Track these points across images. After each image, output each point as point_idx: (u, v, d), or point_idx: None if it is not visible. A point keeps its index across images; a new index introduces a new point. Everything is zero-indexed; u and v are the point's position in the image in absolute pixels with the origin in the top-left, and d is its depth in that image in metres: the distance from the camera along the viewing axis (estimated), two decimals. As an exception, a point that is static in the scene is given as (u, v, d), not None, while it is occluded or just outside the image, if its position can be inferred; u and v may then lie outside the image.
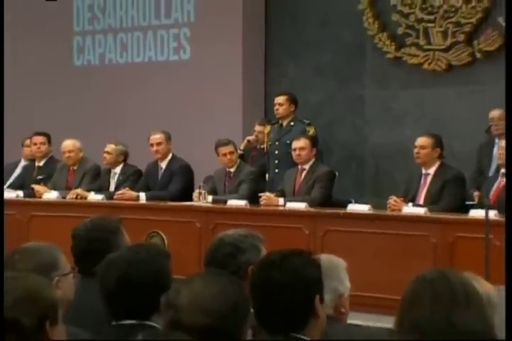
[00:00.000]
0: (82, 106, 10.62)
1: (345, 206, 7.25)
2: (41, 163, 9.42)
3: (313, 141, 7.95)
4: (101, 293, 2.83)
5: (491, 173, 7.47)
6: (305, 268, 2.57)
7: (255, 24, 9.82)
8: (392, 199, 7.12)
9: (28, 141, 9.61)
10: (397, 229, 6.71)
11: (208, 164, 8.53)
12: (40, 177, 9.27)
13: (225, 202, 7.77)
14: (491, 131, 7.69)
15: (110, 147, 8.76)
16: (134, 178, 8.70)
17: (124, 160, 8.83)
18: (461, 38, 8.63)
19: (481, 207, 6.37)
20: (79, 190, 8.61)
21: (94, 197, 8.48)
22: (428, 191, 7.25)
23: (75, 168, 9.10)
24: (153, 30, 10.40)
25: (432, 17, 8.78)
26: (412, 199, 7.24)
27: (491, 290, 2.64)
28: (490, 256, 5.73)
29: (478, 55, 8.56)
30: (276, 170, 8.34)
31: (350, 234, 6.85)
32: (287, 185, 7.91)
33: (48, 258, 3.07)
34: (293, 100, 8.50)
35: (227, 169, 8.31)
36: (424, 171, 7.35)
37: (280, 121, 8.52)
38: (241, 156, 8.61)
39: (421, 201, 7.22)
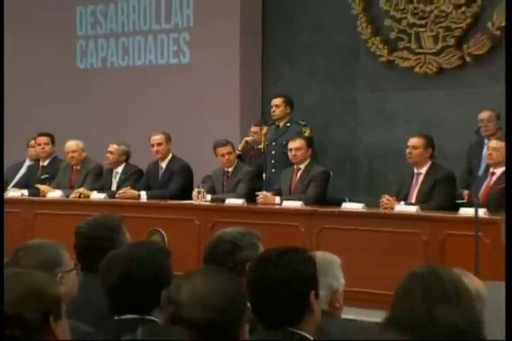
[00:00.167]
0: (85, 108, 10.62)
1: (339, 204, 7.25)
2: (45, 163, 9.42)
3: (309, 142, 7.95)
4: (103, 288, 2.83)
5: (480, 173, 7.47)
6: (301, 265, 2.57)
7: (252, 29, 9.82)
8: (385, 198, 7.13)
9: (32, 142, 9.60)
10: (390, 226, 6.71)
11: (207, 164, 8.53)
12: (44, 176, 9.28)
13: (224, 200, 7.77)
14: (480, 132, 7.69)
15: (113, 147, 8.76)
16: (135, 178, 8.70)
17: (126, 160, 8.83)
18: (451, 42, 8.63)
19: (471, 206, 6.38)
20: (82, 189, 8.61)
21: (96, 195, 8.48)
22: (420, 190, 7.25)
23: (78, 167, 9.10)
24: (153, 35, 10.39)
25: (423, 22, 8.78)
26: (404, 198, 7.24)
27: (480, 286, 2.64)
28: (479, 253, 5.74)
29: (467, 59, 8.56)
30: (273, 170, 8.34)
31: (345, 232, 6.85)
32: (283, 184, 7.91)
33: (51, 255, 3.07)
34: (289, 102, 8.51)
35: (226, 169, 8.31)
36: (416, 171, 7.36)
37: (277, 123, 8.52)
38: (239, 156, 8.61)
39: (413, 200, 7.22)
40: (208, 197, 7.92)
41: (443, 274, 2.47)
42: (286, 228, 7.05)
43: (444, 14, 8.65)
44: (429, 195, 7.17)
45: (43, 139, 9.36)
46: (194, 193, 8.00)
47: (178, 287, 2.20)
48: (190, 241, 7.39)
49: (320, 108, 9.40)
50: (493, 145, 7.14)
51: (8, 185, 9.39)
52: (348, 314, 3.46)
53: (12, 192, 9.06)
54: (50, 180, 9.17)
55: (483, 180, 7.14)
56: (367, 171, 9.23)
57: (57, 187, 8.94)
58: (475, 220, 5.85)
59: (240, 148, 8.88)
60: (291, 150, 7.83)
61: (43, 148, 9.34)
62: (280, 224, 7.08)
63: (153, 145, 8.54)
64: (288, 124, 8.45)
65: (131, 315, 2.74)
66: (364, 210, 7.05)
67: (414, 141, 7.35)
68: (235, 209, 7.52)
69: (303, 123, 8.43)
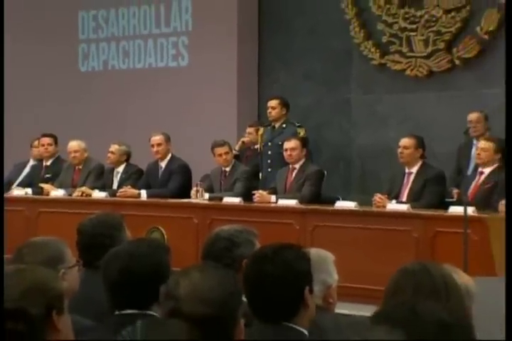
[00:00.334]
0: (86, 109, 10.61)
1: (333, 203, 7.26)
2: (48, 163, 9.41)
3: (304, 142, 7.95)
4: (104, 284, 2.82)
5: (469, 172, 7.47)
6: (295, 261, 2.57)
7: (249, 33, 9.82)
8: (377, 197, 7.13)
9: (36, 142, 9.60)
10: (382, 224, 6.71)
11: (205, 164, 8.53)
12: (47, 176, 9.27)
13: (221, 199, 7.77)
14: (469, 132, 7.70)
15: (114, 147, 8.75)
16: (135, 177, 8.70)
17: (127, 160, 8.83)
18: (441, 45, 8.64)
19: (460, 204, 6.38)
20: (84, 188, 8.61)
21: (98, 194, 8.47)
22: (411, 189, 7.25)
23: (80, 167, 9.09)
24: (153, 39, 10.39)
25: (414, 26, 8.79)
26: (396, 197, 7.25)
27: (469, 282, 2.64)
28: (468, 250, 5.74)
29: (457, 62, 8.56)
30: (269, 169, 8.34)
31: (338, 229, 6.85)
32: (279, 183, 7.91)
33: (54, 251, 3.07)
34: (285, 104, 8.51)
35: (223, 168, 8.31)
36: (407, 170, 7.36)
37: (273, 124, 8.53)
38: (236, 156, 8.61)
39: (404, 198, 7.23)
40: (206, 195, 7.92)
41: (433, 270, 2.47)
42: (282, 225, 7.05)
43: (434, 19, 8.65)
44: (419, 194, 7.17)
45: (46, 140, 9.35)
46: (192, 192, 8.00)
47: (176, 282, 2.20)
48: (189, 238, 7.38)
49: (314, 109, 9.40)
50: (482, 146, 7.14)
51: (12, 184, 9.39)
52: (342, 309, 3.46)
53: (16, 191, 9.05)
54: (53, 180, 9.17)
55: (471, 180, 7.14)
56: (359, 170, 9.23)
57: (60, 187, 8.93)
58: (464, 218, 5.85)
59: (237, 149, 8.88)
60: (286, 150, 7.83)
61: (46, 149, 9.33)
62: (276, 222, 7.08)
63: (153, 146, 8.54)
64: (284, 125, 8.46)
65: (131, 310, 2.74)
66: (357, 208, 7.05)
67: (405, 142, 7.36)
68: (232, 208, 7.52)
69: (298, 124, 8.44)
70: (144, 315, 2.66)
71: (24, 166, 9.72)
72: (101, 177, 8.92)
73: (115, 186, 8.68)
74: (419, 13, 8.75)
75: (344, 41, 9.20)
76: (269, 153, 8.40)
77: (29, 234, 7.34)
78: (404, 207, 6.86)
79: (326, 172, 7.95)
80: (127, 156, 8.81)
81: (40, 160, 9.53)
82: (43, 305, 2.09)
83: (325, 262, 3.23)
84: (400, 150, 7.34)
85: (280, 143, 8.13)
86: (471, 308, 2.52)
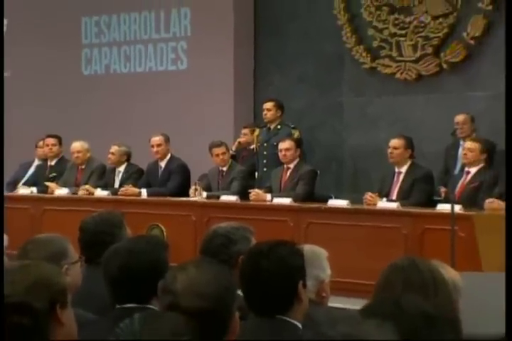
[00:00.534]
0: (89, 111, 10.60)
1: (326, 201, 7.25)
2: (53, 163, 9.41)
3: (298, 143, 7.95)
4: (105, 279, 2.82)
5: (456, 172, 7.47)
6: (289, 257, 2.56)
7: (245, 38, 9.81)
8: (368, 195, 7.13)
9: (41, 143, 9.59)
10: (373, 221, 6.71)
11: (203, 163, 8.52)
12: (52, 175, 9.26)
13: (218, 197, 7.77)
14: (456, 133, 7.69)
15: (114, 148, 8.75)
16: (136, 176, 8.69)
17: (128, 160, 8.82)
18: (429, 50, 8.64)
19: (447, 202, 6.38)
20: (87, 187, 8.60)
21: (100, 193, 8.46)
22: (400, 187, 7.26)
23: (83, 167, 9.08)
24: (153, 43, 10.38)
25: (403, 32, 8.79)
26: (386, 195, 7.25)
27: (456, 277, 2.64)
28: (455, 246, 5.74)
29: (444, 66, 8.56)
30: (265, 169, 8.34)
31: (331, 226, 6.85)
32: (274, 182, 7.91)
33: (58, 248, 3.06)
34: (279, 106, 8.51)
35: (220, 168, 8.31)
36: (396, 170, 7.36)
37: (268, 125, 8.52)
38: (233, 156, 8.60)
39: (394, 196, 7.23)
40: (204, 194, 7.92)
41: (421, 265, 2.47)
42: (277, 223, 7.04)
43: (422, 25, 8.65)
44: (409, 192, 7.17)
45: (50, 140, 9.34)
46: (191, 190, 8.00)
47: (173, 277, 2.19)
48: (188, 235, 7.38)
49: (308, 111, 9.39)
50: (468, 146, 7.15)
51: (18, 183, 9.38)
52: (335, 302, 3.46)
53: (22, 190, 9.04)
54: (58, 179, 9.16)
55: (458, 179, 7.15)
56: (351, 170, 9.23)
57: (64, 185, 8.93)
58: (451, 215, 5.86)
59: (233, 149, 8.87)
60: (281, 150, 7.83)
61: (51, 149, 9.32)
62: (271, 219, 7.08)
63: (153, 146, 8.54)
64: (278, 127, 8.45)
65: (131, 304, 2.73)
66: (349, 206, 7.05)
67: (395, 142, 7.36)
68: (229, 206, 7.52)
69: (292, 125, 8.44)
70: (144, 309, 2.66)
71: (29, 166, 9.71)
72: (103, 177, 8.92)
73: (117, 185, 8.68)
74: (408, 19, 8.75)
75: (336, 46, 9.20)
76: (265, 153, 8.39)
77: (34, 231, 7.33)
78: (394, 205, 6.86)
79: (319, 172, 7.95)
80: (127, 156, 8.80)
81: (44, 160, 9.52)
82: (47, 299, 2.08)
83: (318, 258, 3.23)
84: (389, 150, 7.34)
85: (275, 143, 8.12)
86: (458, 302, 2.52)
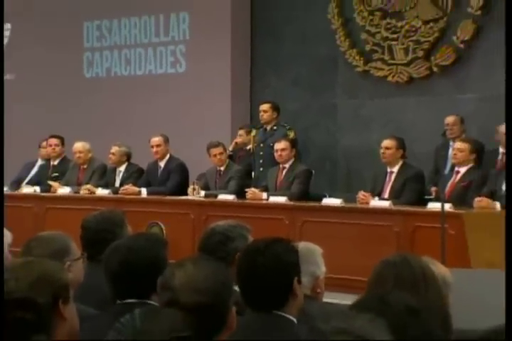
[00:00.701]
0: (91, 113, 10.59)
1: (320, 200, 7.25)
2: (55, 163, 9.40)
3: (293, 143, 7.95)
4: (106, 275, 2.81)
5: (446, 171, 7.48)
6: (285, 254, 2.56)
7: (242, 42, 9.81)
8: (361, 194, 7.13)
9: (44, 143, 9.57)
10: (366, 219, 6.71)
11: (201, 163, 8.52)
12: (54, 174, 9.25)
13: (216, 196, 7.76)
14: (446, 134, 7.70)
15: (115, 149, 8.74)
16: (136, 175, 8.68)
17: (128, 160, 8.81)
18: (420, 54, 8.64)
19: (438, 201, 6.39)
20: (88, 186, 8.59)
21: (101, 192, 8.46)
22: (392, 187, 7.26)
23: (85, 166, 9.07)
24: (153, 47, 10.37)
25: (395, 36, 8.79)
26: (378, 194, 7.25)
27: (446, 273, 2.65)
28: (445, 243, 5.75)
29: (435, 69, 8.57)
30: (261, 169, 8.33)
31: (325, 224, 6.85)
32: (270, 181, 7.91)
33: (60, 245, 3.06)
34: (275, 108, 8.51)
35: (218, 168, 8.30)
36: (388, 169, 7.36)
37: (264, 126, 8.53)
38: (230, 156, 8.60)
39: (386, 195, 7.23)
40: (202, 193, 7.92)
41: (413, 262, 2.47)
42: (273, 221, 7.04)
43: (414, 29, 8.66)
44: (400, 191, 7.17)
45: (54, 141, 9.33)
46: (189, 189, 7.99)
47: (171, 274, 2.19)
48: (186, 233, 7.37)
49: (303, 113, 9.39)
50: (458, 147, 7.15)
51: (22, 183, 9.37)
52: (329, 298, 3.46)
53: (26, 189, 9.03)
54: (60, 178, 9.15)
55: (448, 178, 7.15)
56: (345, 170, 9.23)
57: (66, 185, 8.92)
58: (441, 214, 5.86)
59: (230, 149, 8.87)
60: (277, 150, 7.83)
61: (54, 149, 9.32)
62: (267, 218, 7.07)
63: (152, 147, 8.53)
64: (275, 128, 8.45)
65: (131, 300, 2.72)
66: (342, 205, 7.05)
67: (387, 143, 7.36)
68: (226, 204, 7.51)
69: (288, 126, 8.43)
70: (144, 304, 2.66)
71: (33, 166, 9.70)
72: (104, 176, 8.91)
73: (117, 184, 8.67)
74: (399, 24, 8.75)
75: (330, 49, 9.20)
76: (261, 153, 8.39)
77: (37, 228, 7.32)
78: (386, 204, 6.86)
79: (313, 172, 7.95)
80: (128, 156, 8.79)
81: (47, 160, 9.51)
82: (50, 294, 2.08)
83: (313, 255, 3.23)
84: (382, 150, 7.34)
85: (271, 144, 8.12)
86: (448, 297, 2.53)
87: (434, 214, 6.20)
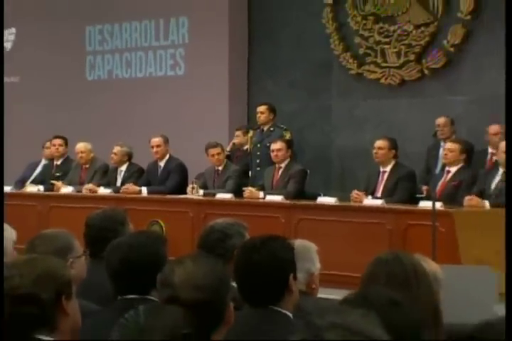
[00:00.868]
0: (93, 114, 10.59)
1: (315, 198, 7.25)
2: (59, 162, 9.39)
3: (289, 144, 7.95)
4: (107, 272, 2.81)
5: (437, 171, 7.49)
6: (281, 251, 2.56)
7: (239, 45, 9.81)
8: (355, 193, 7.13)
9: (48, 143, 9.56)
10: (359, 218, 6.71)
11: (200, 163, 8.52)
12: (58, 174, 9.24)
13: (214, 195, 7.76)
14: (437, 135, 7.71)
15: (117, 149, 8.73)
16: (137, 175, 8.68)
17: (129, 160, 8.80)
18: (411, 57, 8.65)
19: (429, 199, 6.39)
20: (90, 185, 8.58)
21: (103, 191, 8.45)
22: (385, 186, 7.26)
23: (87, 166, 9.07)
24: (153, 50, 10.37)
25: (387, 40, 8.80)
26: (372, 193, 7.25)
27: (437, 269, 2.65)
28: (436, 241, 5.75)
29: (426, 72, 8.58)
30: (258, 168, 8.33)
31: (320, 222, 6.85)
32: (266, 180, 7.91)
33: (64, 242, 3.06)
34: (272, 109, 8.51)
35: (216, 167, 8.30)
36: (381, 169, 7.37)
37: (261, 127, 8.53)
38: (227, 156, 8.60)
39: (379, 194, 7.23)
40: (201, 192, 7.91)
41: (404, 259, 2.47)
42: (269, 219, 7.04)
43: (405, 33, 8.67)
44: (393, 190, 7.18)
45: (58, 141, 9.33)
46: (188, 189, 7.99)
47: (171, 270, 2.19)
48: (186, 231, 7.37)
49: (298, 114, 9.40)
50: (449, 147, 7.16)
51: (26, 182, 9.36)
52: (324, 294, 3.46)
53: (30, 188, 9.02)
54: (63, 178, 9.14)
55: (439, 177, 7.16)
56: (339, 169, 9.24)
57: (69, 184, 8.91)
58: (432, 212, 5.86)
59: (228, 149, 8.87)
60: (273, 151, 7.83)
61: (58, 149, 9.31)
62: (263, 216, 7.07)
63: (152, 147, 8.53)
64: (271, 129, 8.46)
65: (132, 295, 2.72)
66: (337, 203, 7.05)
67: (380, 143, 7.36)
68: (224, 203, 7.51)
69: (284, 127, 8.44)
70: (145, 300, 2.65)
71: (37, 165, 9.69)
72: (106, 176, 8.90)
73: (119, 183, 8.67)
74: (392, 28, 8.76)
75: (325, 53, 9.20)
76: (258, 153, 8.39)
77: (41, 226, 7.30)
78: (379, 202, 6.86)
79: (308, 171, 7.95)
80: (129, 156, 8.79)
81: (51, 160, 9.50)
82: (53, 290, 2.08)
83: (308, 252, 3.23)
84: (375, 150, 7.35)
85: (268, 144, 8.12)
86: (438, 293, 2.53)
87: (425, 213, 6.20)
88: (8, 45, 11.39)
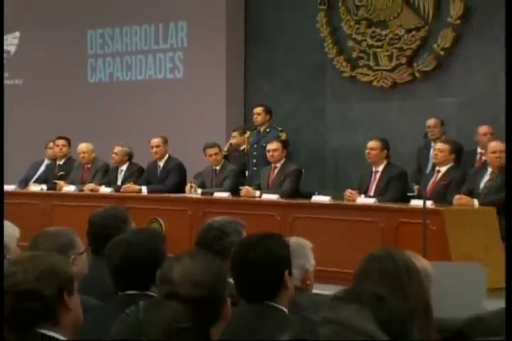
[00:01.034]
0: (94, 115, 10.58)
1: (310, 197, 7.25)
2: (61, 162, 9.38)
3: (285, 144, 7.95)
4: (108, 268, 2.81)
5: (427, 171, 7.49)
6: (276, 248, 2.56)
7: (237, 49, 9.81)
8: (348, 192, 7.14)
9: (51, 144, 9.56)
10: (352, 216, 6.71)
11: (198, 163, 8.51)
12: (60, 173, 9.23)
13: (212, 194, 7.76)
14: (427, 136, 7.72)
15: (117, 149, 8.73)
16: (137, 174, 8.67)
17: (129, 160, 8.80)
18: (403, 60, 8.65)
19: (420, 198, 6.40)
20: (92, 184, 8.58)
21: (104, 190, 8.44)
22: (377, 185, 7.27)
23: (89, 166, 9.06)
24: (152, 54, 10.36)
25: (380, 43, 8.80)
26: (364, 192, 7.26)
27: (427, 265, 2.65)
28: (427, 238, 5.75)
29: (417, 75, 8.58)
30: (254, 168, 8.33)
31: (315, 220, 6.85)
32: (263, 180, 7.91)
33: (66, 240, 3.05)
34: (268, 111, 8.52)
35: (214, 167, 8.30)
36: (374, 169, 7.37)
37: (258, 128, 8.53)
38: (225, 156, 8.59)
39: (371, 193, 7.24)
40: (199, 191, 7.91)
41: (396, 256, 2.47)
42: (265, 217, 7.04)
43: (397, 37, 8.67)
44: (385, 189, 7.18)
45: (61, 141, 9.33)
46: (187, 188, 7.99)
47: (170, 267, 2.19)
48: (184, 228, 7.36)
49: (294, 115, 9.40)
50: (439, 147, 7.16)
51: (29, 181, 9.35)
52: (318, 289, 3.46)
53: (33, 187, 9.02)
54: (65, 177, 9.13)
55: (430, 177, 7.17)
56: (333, 169, 9.24)
57: (71, 183, 8.90)
58: (423, 210, 5.87)
59: (225, 150, 8.87)
60: (269, 151, 7.83)
61: (61, 149, 9.30)
62: (260, 214, 7.07)
63: (152, 147, 8.53)
64: (267, 129, 8.46)
65: (132, 291, 2.72)
66: (331, 202, 7.06)
67: (372, 144, 7.37)
68: (221, 201, 7.51)
69: (280, 128, 8.44)
70: (145, 295, 2.65)
71: (40, 165, 9.68)
72: (107, 175, 8.90)
73: (119, 182, 8.66)
74: (384, 32, 8.76)
75: (319, 56, 9.20)
76: (255, 153, 8.39)
77: (44, 224, 7.30)
78: (371, 201, 6.87)
79: (303, 171, 7.95)
80: (129, 156, 8.78)
81: (54, 160, 9.49)
82: (55, 286, 2.08)
83: (303, 249, 3.23)
84: (367, 151, 7.35)
85: (264, 145, 8.12)
86: (429, 289, 2.53)
87: (416, 211, 6.21)
88: (12, 49, 11.37)
